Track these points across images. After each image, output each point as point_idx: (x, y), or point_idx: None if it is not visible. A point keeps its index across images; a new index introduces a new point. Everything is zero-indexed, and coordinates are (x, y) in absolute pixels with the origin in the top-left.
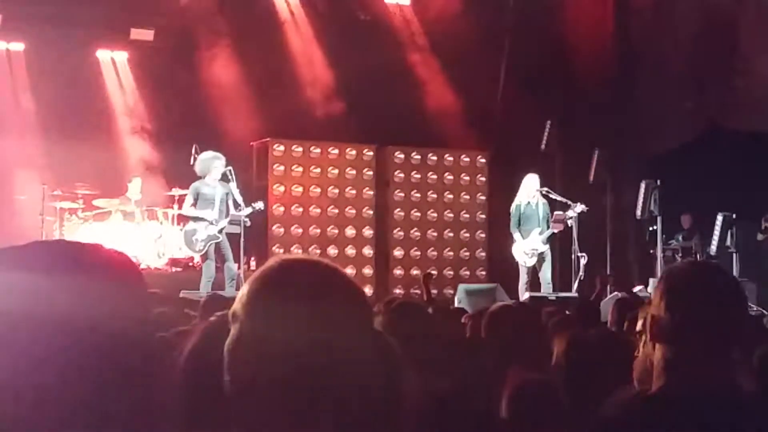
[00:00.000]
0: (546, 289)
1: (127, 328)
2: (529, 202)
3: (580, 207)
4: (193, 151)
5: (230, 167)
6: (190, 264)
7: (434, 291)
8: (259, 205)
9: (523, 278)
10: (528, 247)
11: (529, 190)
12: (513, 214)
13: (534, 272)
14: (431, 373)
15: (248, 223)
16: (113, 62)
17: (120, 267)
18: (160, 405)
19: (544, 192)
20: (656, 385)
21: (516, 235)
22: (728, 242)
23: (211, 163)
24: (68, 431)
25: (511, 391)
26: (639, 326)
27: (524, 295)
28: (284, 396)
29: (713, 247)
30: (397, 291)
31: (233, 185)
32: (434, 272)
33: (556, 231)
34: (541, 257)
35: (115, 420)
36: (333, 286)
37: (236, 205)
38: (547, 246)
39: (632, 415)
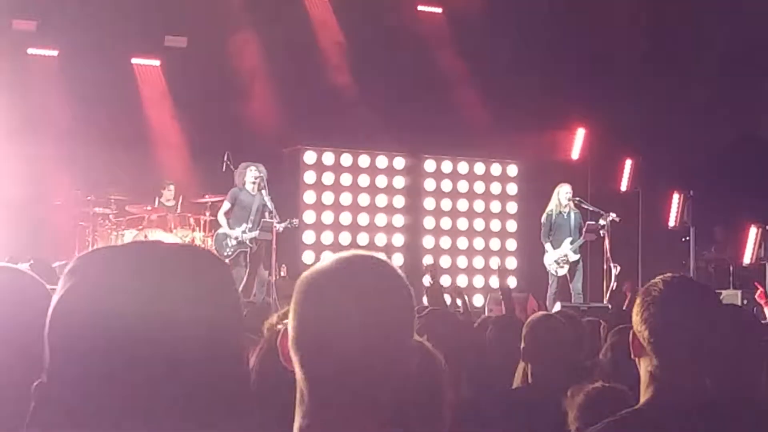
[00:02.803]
0: (577, 299)
1: (225, 329)
2: (560, 212)
3: (611, 216)
4: (225, 158)
5: (263, 175)
6: None
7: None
8: (295, 222)
9: (553, 288)
10: (559, 256)
11: (561, 200)
12: (544, 223)
13: (564, 282)
14: (464, 380)
15: (280, 230)
16: (147, 69)
17: (213, 266)
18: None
19: (576, 201)
20: (643, 398)
21: (547, 245)
22: (762, 254)
23: (245, 173)
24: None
25: (584, 399)
26: None
27: (555, 305)
28: None
29: (746, 259)
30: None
31: (265, 193)
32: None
33: (587, 240)
34: (572, 267)
35: (206, 417)
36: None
37: (270, 214)
38: (579, 256)
39: (620, 430)
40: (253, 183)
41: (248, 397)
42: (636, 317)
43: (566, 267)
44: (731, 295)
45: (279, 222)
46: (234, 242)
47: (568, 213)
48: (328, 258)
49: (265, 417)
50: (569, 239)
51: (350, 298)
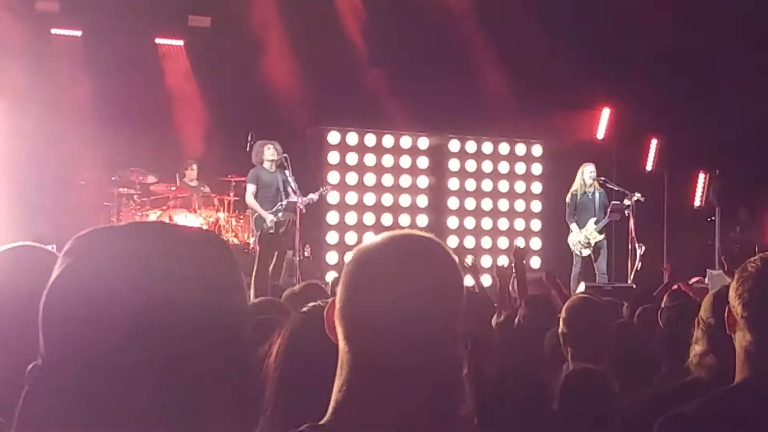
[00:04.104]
0: (601, 279)
1: (222, 312)
2: (585, 192)
3: (636, 196)
4: (249, 138)
5: (286, 154)
6: (246, 250)
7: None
8: (327, 188)
9: (577, 268)
10: (583, 236)
11: (585, 179)
12: (568, 203)
13: (588, 262)
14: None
15: (303, 210)
16: (171, 49)
17: (215, 249)
18: (251, 393)
19: (600, 181)
20: (739, 376)
21: (572, 225)
22: None
23: (262, 151)
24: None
25: (564, 382)
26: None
27: (579, 285)
28: None
29: None
30: None
31: (288, 173)
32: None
33: (612, 220)
34: (597, 247)
35: (204, 408)
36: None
37: (294, 193)
38: (603, 236)
39: (718, 409)
40: (271, 161)
41: (248, 384)
42: (732, 292)
43: (591, 247)
44: None
45: (303, 197)
46: (272, 224)
47: (593, 193)
48: (382, 234)
49: (290, 398)
50: (594, 219)
51: (399, 273)
